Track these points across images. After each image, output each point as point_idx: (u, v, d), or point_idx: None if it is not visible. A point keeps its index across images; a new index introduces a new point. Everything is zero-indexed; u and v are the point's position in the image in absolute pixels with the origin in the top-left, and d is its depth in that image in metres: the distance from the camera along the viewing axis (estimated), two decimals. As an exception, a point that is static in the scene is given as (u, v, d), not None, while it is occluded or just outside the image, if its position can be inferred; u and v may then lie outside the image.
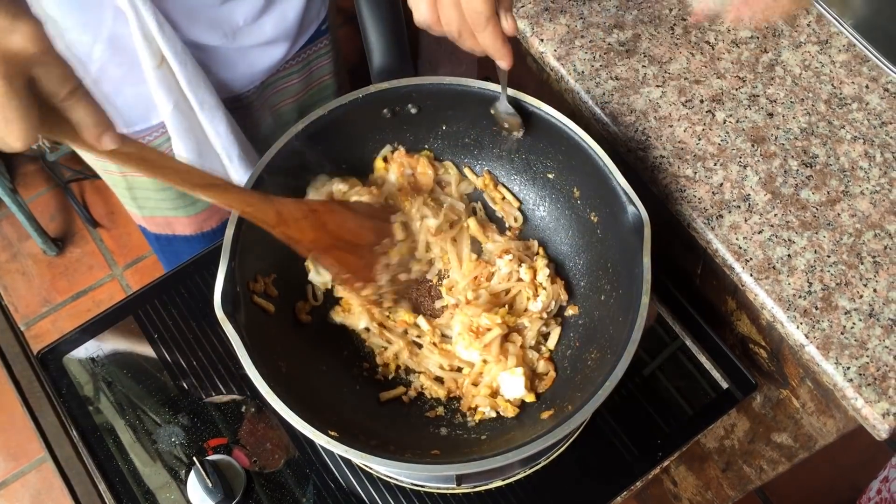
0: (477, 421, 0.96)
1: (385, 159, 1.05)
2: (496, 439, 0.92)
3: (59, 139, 0.67)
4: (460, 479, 0.94)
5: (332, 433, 0.79)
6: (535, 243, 1.05)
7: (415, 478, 0.97)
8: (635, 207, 0.88)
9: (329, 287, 1.04)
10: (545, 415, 0.90)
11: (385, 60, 0.99)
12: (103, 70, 1.01)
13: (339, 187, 0.99)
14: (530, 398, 0.95)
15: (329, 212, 0.92)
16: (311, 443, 1.00)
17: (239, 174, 1.14)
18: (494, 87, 0.96)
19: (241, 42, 1.08)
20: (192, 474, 0.96)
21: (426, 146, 1.06)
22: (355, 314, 1.01)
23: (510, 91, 0.95)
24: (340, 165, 1.04)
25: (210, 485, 0.93)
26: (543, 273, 1.01)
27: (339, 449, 0.78)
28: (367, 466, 0.98)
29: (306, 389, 0.89)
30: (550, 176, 1.03)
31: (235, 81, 1.13)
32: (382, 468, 0.87)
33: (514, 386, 0.94)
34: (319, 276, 1.03)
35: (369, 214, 0.97)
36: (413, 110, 1.01)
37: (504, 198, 1.07)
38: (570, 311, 1.02)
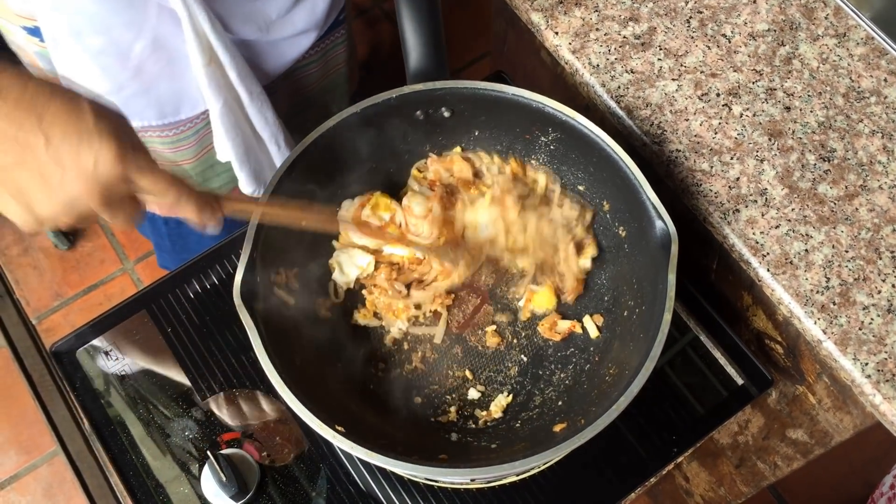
0: (492, 419, 0.96)
1: (420, 169, 1.05)
2: (506, 448, 0.91)
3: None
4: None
5: (339, 428, 0.79)
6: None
7: (430, 473, 0.96)
8: (664, 222, 0.87)
9: (351, 286, 1.04)
10: (557, 427, 0.90)
11: (421, 63, 0.99)
12: (141, 66, 1.01)
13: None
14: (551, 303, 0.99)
15: None
16: (323, 437, 1.00)
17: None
18: (530, 95, 0.95)
19: (274, 35, 1.09)
20: (206, 468, 0.96)
21: (457, 149, 1.06)
22: (386, 319, 1.02)
23: (544, 98, 0.95)
24: (371, 165, 1.04)
25: (224, 479, 0.93)
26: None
27: (345, 445, 0.78)
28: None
29: (318, 384, 0.89)
30: (581, 188, 1.02)
31: (264, 73, 1.14)
32: (389, 468, 0.87)
33: None
34: (343, 276, 1.03)
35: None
36: (446, 114, 1.00)
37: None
38: (594, 322, 1.01)
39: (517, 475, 0.97)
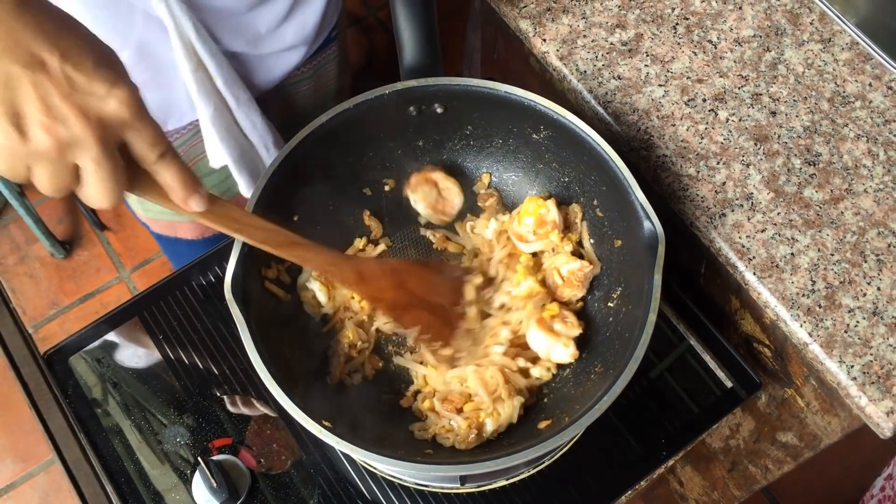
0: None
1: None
2: (492, 444, 0.92)
3: (148, 199, 0.70)
4: (464, 479, 0.94)
5: (325, 423, 0.79)
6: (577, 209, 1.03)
7: (418, 477, 0.97)
8: (651, 223, 0.88)
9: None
10: (542, 424, 0.90)
11: (415, 58, 0.99)
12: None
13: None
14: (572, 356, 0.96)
15: (408, 271, 0.94)
16: (316, 443, 1.01)
17: None
18: (522, 94, 0.96)
19: (263, 49, 1.09)
20: (197, 474, 0.97)
21: (450, 145, 1.07)
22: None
23: (535, 96, 0.95)
24: (361, 161, 1.05)
25: (215, 485, 0.94)
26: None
27: (331, 440, 0.78)
28: (368, 465, 0.98)
29: (308, 379, 0.90)
30: (576, 188, 1.03)
31: (254, 87, 1.14)
32: (374, 463, 0.87)
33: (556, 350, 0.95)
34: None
35: (446, 272, 0.99)
36: (439, 110, 1.01)
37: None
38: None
39: (506, 479, 0.98)
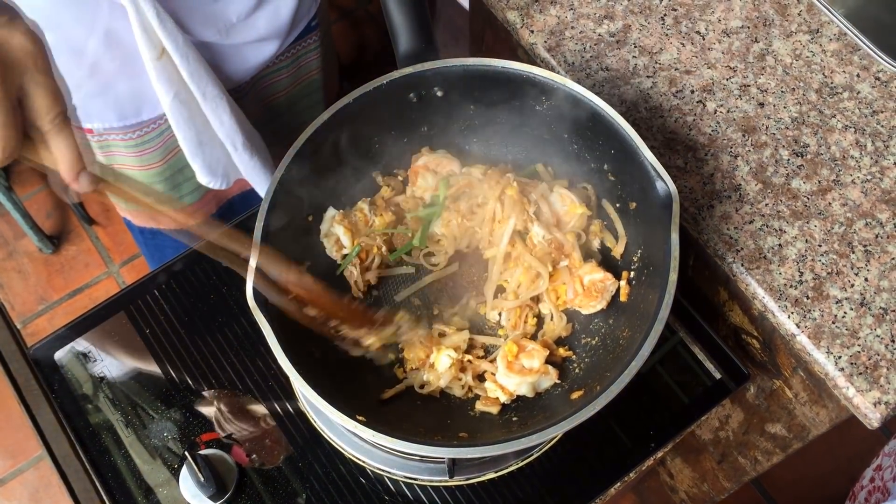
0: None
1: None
2: (527, 420, 0.91)
3: (38, 164, 0.66)
4: (452, 471, 0.94)
5: (360, 418, 0.79)
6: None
7: (408, 470, 0.97)
8: (664, 182, 0.87)
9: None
10: (575, 395, 0.90)
11: (410, 45, 0.99)
12: (97, 64, 1.01)
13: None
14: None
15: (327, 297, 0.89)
16: (305, 438, 1.01)
17: (244, 161, 1.14)
18: (519, 66, 0.95)
19: (235, 39, 1.08)
20: (185, 469, 0.96)
21: (455, 127, 1.06)
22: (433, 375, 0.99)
23: (533, 68, 0.94)
24: (367, 153, 1.04)
25: (202, 479, 0.93)
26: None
27: (367, 433, 0.78)
28: (360, 460, 0.98)
29: (340, 372, 0.90)
30: (586, 155, 1.02)
31: (228, 77, 1.13)
32: (411, 452, 0.86)
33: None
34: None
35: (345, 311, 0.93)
36: (439, 93, 1.00)
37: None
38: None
39: (495, 472, 0.98)
